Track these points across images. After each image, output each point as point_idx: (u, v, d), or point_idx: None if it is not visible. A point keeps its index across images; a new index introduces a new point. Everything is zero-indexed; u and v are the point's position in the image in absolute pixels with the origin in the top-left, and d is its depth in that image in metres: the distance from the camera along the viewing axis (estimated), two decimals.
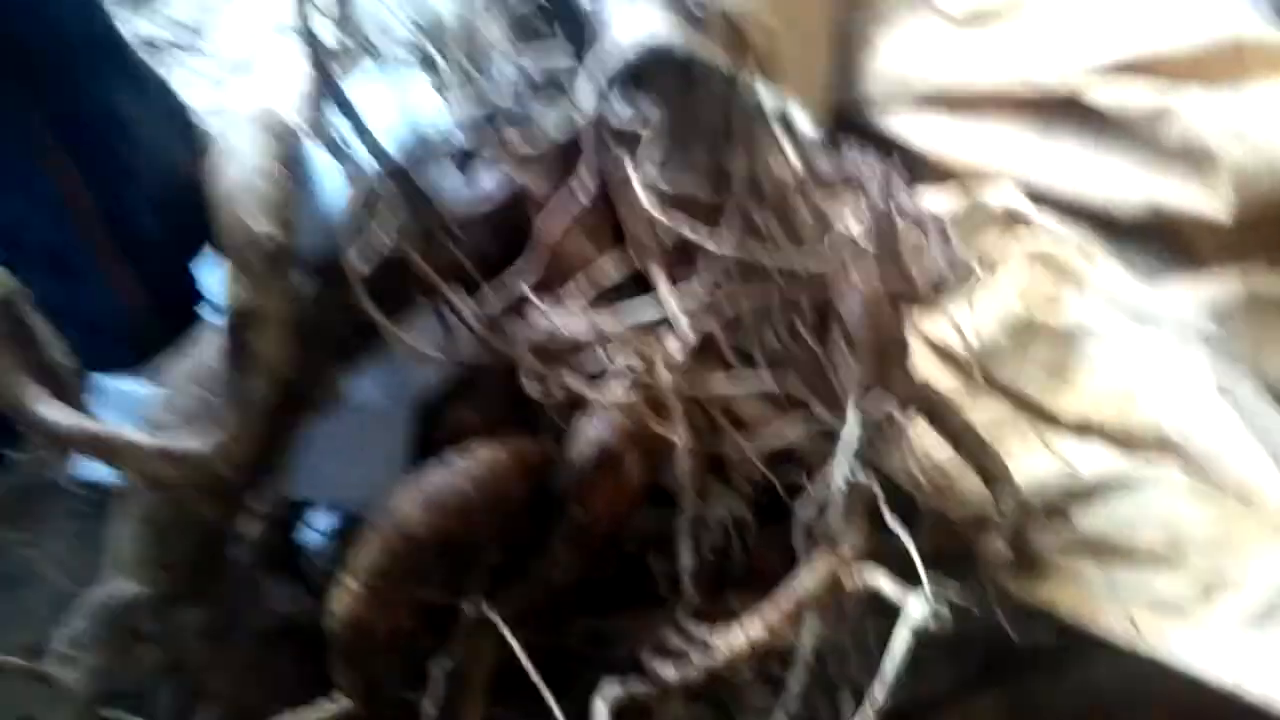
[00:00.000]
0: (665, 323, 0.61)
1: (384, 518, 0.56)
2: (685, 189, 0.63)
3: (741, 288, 0.62)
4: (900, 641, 0.50)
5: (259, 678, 0.65)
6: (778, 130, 0.66)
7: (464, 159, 0.67)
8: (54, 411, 0.49)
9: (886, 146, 0.95)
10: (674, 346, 0.59)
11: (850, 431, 0.58)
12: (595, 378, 0.59)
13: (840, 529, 0.57)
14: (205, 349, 0.59)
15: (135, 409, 0.61)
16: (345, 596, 0.56)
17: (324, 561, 0.68)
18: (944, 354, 0.81)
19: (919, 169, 0.94)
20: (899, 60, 0.98)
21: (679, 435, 0.58)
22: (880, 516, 0.58)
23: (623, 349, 0.59)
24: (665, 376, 0.58)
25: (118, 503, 0.60)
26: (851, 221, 0.67)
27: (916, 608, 0.50)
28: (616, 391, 0.58)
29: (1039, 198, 0.87)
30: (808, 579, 0.57)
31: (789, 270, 0.63)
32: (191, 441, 0.49)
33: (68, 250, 0.72)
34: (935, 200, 0.89)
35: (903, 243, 0.64)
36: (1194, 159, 0.80)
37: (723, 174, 0.64)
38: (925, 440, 0.69)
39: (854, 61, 1.02)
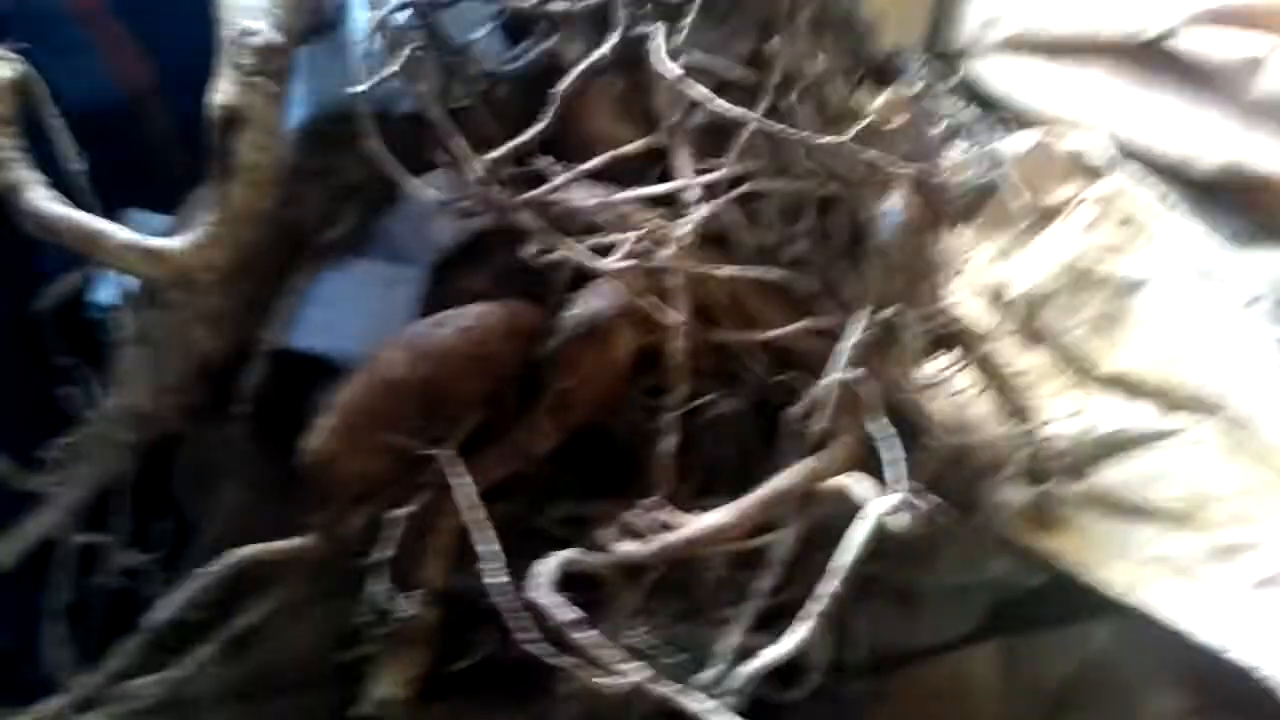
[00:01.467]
0: (681, 204, 0.59)
1: (369, 360, 0.56)
2: (720, 67, 0.60)
3: (767, 178, 0.60)
4: (859, 532, 0.47)
5: (249, 522, 0.65)
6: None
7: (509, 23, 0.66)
8: (45, 201, 0.49)
9: (976, 92, 0.92)
10: (685, 226, 0.57)
11: (854, 331, 0.55)
12: (601, 251, 0.58)
13: (829, 432, 0.55)
14: None
15: None
16: (319, 432, 0.56)
17: None
18: (991, 295, 0.78)
19: (1008, 115, 0.91)
20: (994, 4, 0.95)
21: (677, 315, 0.56)
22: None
23: (633, 224, 0.58)
24: (671, 254, 0.56)
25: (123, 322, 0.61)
26: (895, 128, 0.64)
27: (883, 503, 0.48)
28: (618, 263, 0.56)
29: (1123, 149, 0.83)
30: (787, 477, 0.54)
31: (819, 167, 0.60)
32: (170, 240, 0.49)
33: None
34: (1017, 142, 0.85)
35: (943, 157, 0.61)
36: None
37: (763, 61, 0.61)
38: (947, 376, 0.67)
39: (949, 4, 0.99)
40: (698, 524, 0.53)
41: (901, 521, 0.48)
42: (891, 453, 0.53)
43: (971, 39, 0.94)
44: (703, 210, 0.57)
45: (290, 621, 0.62)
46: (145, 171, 0.64)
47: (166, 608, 0.57)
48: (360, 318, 0.65)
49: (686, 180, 0.59)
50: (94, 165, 0.53)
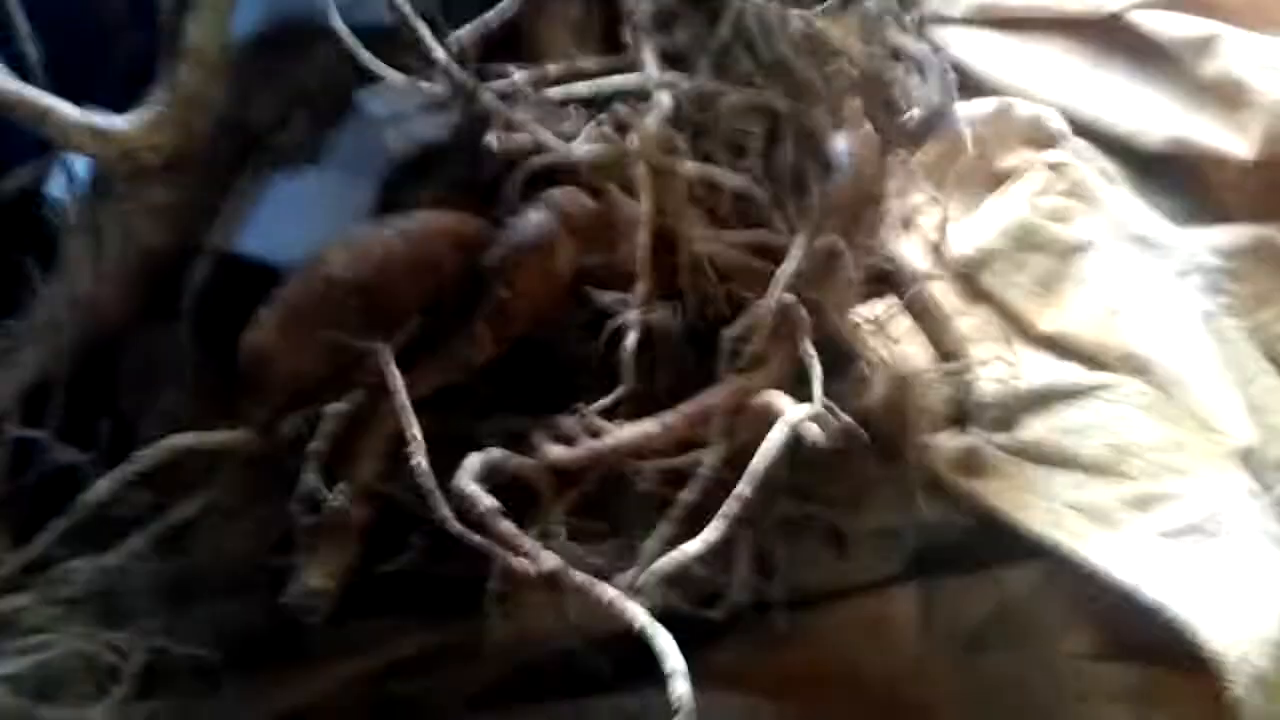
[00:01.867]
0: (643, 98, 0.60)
1: (312, 259, 0.57)
2: None
3: (726, 86, 0.60)
4: (773, 440, 0.48)
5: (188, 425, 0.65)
6: None
7: None
8: None
9: None
10: (650, 116, 0.57)
11: (796, 254, 0.56)
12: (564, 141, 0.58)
13: (763, 353, 0.57)
14: None
15: None
16: (258, 327, 0.57)
17: None
18: (936, 251, 0.80)
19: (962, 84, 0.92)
20: None
21: (643, 205, 0.57)
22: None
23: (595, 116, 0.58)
24: (636, 143, 0.57)
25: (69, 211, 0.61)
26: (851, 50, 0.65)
27: (799, 411, 0.49)
28: (580, 150, 0.56)
29: (1073, 123, 0.85)
30: (716, 393, 0.55)
31: (778, 86, 0.61)
32: (117, 119, 0.49)
33: None
34: (974, 108, 0.87)
35: (895, 80, 0.62)
36: (1228, 94, 0.78)
37: None
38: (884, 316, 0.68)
39: None
40: (626, 431, 0.54)
41: (816, 433, 0.49)
42: (816, 372, 0.54)
43: (941, 4, 0.96)
44: (666, 100, 0.57)
45: (223, 522, 0.62)
46: (96, 54, 0.64)
47: (98, 492, 0.57)
48: (308, 226, 0.65)
49: (647, 76, 0.60)
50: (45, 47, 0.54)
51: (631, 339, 0.58)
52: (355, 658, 0.68)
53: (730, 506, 0.49)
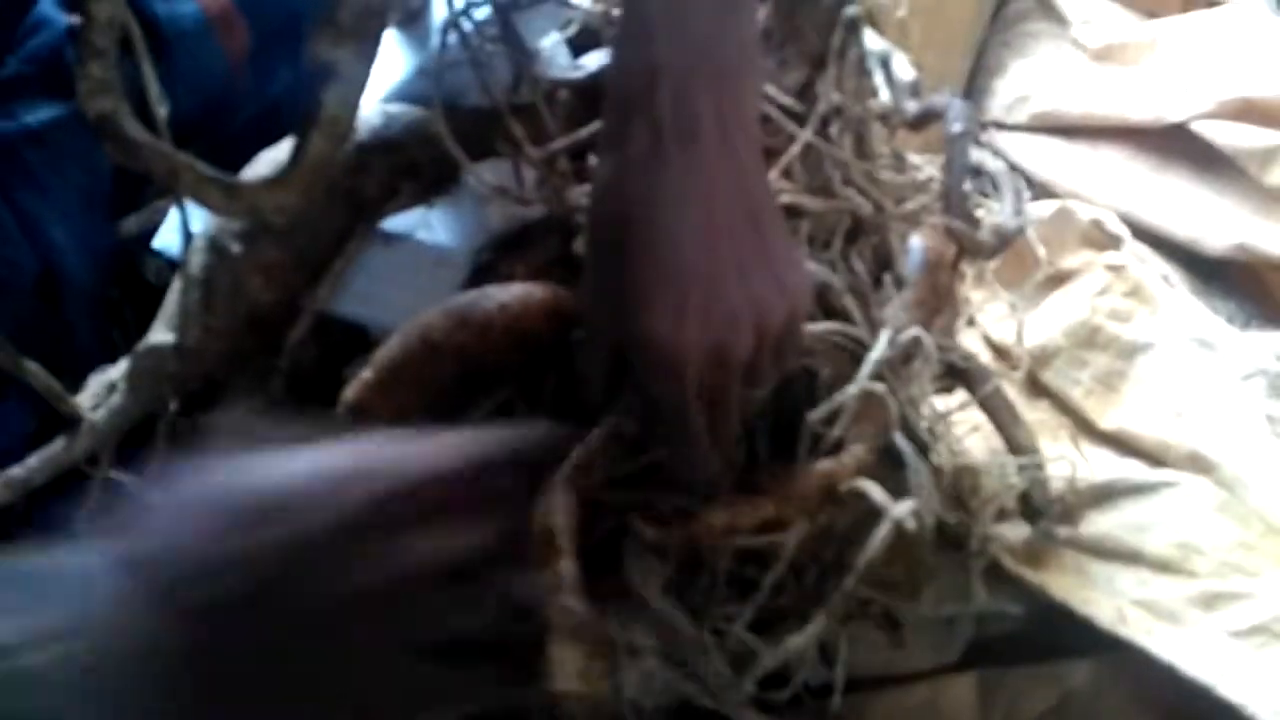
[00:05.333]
0: None
1: (412, 323, 0.59)
2: (770, 93, 0.64)
3: (805, 195, 0.63)
4: (878, 536, 0.50)
5: None
6: (875, 67, 0.67)
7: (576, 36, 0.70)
8: (134, 130, 0.52)
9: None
10: None
11: (880, 346, 0.58)
12: None
13: (843, 439, 0.58)
14: None
15: None
16: (357, 385, 0.58)
17: None
18: (997, 349, 0.82)
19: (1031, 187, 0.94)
20: (1026, 82, 1.00)
21: None
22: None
23: None
24: None
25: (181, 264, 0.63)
26: (928, 169, 0.68)
27: (902, 508, 0.50)
28: None
29: (1134, 227, 0.87)
30: (805, 475, 0.56)
31: (855, 195, 0.63)
32: (247, 177, 0.52)
33: None
34: (1038, 209, 0.89)
35: (973, 196, 0.65)
36: None
37: (811, 91, 0.65)
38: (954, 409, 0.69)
39: (981, 79, 1.04)
40: (718, 511, 0.54)
41: (918, 524, 0.50)
42: (911, 461, 0.56)
43: (1002, 112, 0.99)
44: None
45: None
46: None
47: None
48: (404, 293, 0.67)
49: None
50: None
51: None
52: None
53: (836, 600, 0.50)
